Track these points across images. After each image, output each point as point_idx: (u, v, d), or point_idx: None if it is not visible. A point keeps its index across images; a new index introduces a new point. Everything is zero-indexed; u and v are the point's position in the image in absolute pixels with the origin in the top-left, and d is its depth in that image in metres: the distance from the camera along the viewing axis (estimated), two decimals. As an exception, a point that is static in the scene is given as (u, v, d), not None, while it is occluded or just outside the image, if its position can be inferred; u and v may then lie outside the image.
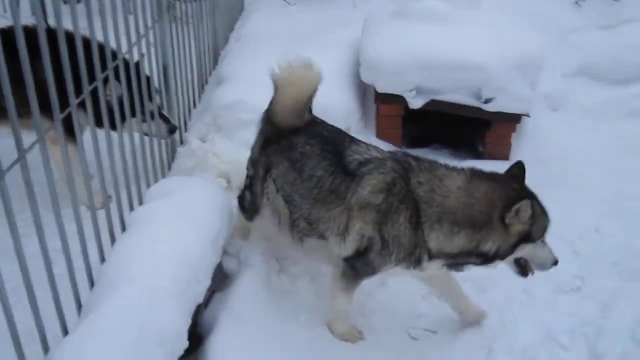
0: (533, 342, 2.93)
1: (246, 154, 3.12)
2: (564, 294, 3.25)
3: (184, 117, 4.33)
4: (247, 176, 3.08)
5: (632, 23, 5.52)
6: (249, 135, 3.61)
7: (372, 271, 2.72)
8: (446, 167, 2.63)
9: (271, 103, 2.84)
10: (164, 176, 3.67)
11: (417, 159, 2.66)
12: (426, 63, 4.14)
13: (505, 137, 4.34)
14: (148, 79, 3.44)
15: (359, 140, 2.83)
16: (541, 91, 4.74)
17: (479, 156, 4.42)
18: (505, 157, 4.34)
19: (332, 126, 2.91)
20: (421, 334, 3.07)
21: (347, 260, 2.72)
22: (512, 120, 4.25)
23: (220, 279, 3.05)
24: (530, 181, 2.61)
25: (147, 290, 2.18)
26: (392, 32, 4.38)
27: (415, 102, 4.23)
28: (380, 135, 4.45)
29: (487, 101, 4.13)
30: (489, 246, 2.50)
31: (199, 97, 4.74)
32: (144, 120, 3.42)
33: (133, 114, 3.20)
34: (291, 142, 2.79)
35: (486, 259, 2.55)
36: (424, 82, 4.17)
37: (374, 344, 2.93)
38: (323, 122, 2.90)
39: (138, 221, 2.62)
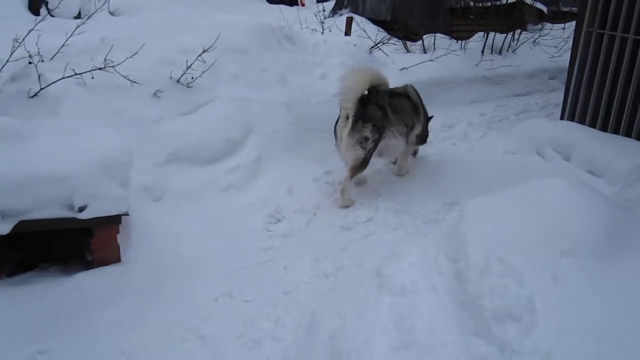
0: None
1: None
2: None
3: None
4: (372, 140, 5.27)
5: (205, 106, 5.99)
6: None
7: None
8: None
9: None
10: None
11: None
12: (3, 185, 3.81)
13: (110, 240, 4.21)
14: None
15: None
16: (139, 185, 4.78)
17: (89, 265, 4.22)
18: (117, 260, 4.24)
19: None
20: None
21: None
22: (113, 222, 4.16)
23: None
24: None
25: None
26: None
27: (3, 228, 3.83)
28: (-30, 272, 3.91)
29: (81, 209, 3.99)
30: None
31: None
32: None
33: None
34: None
35: None
36: (7, 205, 3.79)
37: None
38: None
39: None
